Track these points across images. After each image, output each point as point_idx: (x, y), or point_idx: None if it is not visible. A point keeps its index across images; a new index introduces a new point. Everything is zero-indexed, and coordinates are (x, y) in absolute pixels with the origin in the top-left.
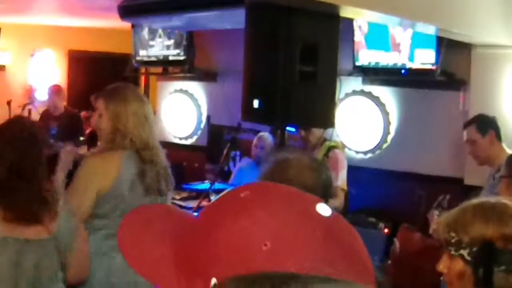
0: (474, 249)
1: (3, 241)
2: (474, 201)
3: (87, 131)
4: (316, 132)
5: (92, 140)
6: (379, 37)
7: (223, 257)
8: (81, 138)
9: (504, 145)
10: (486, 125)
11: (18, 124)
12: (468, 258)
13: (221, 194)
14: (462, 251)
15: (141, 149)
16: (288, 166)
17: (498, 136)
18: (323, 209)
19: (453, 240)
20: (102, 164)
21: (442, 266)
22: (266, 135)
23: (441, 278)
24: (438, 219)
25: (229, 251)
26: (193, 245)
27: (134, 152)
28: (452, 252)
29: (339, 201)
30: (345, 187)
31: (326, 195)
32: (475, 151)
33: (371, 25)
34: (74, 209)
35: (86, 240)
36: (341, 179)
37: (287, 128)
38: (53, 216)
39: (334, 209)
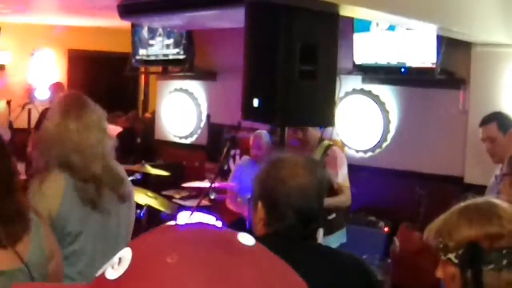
0: (460, 251)
1: None
2: (462, 204)
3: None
4: (312, 131)
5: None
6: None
7: None
8: None
9: None
10: (507, 122)
11: None
12: (456, 261)
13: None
14: (449, 255)
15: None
16: (283, 165)
17: None
18: None
19: (441, 245)
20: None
21: (439, 272)
22: (263, 133)
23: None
24: (428, 226)
25: None
26: None
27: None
28: (442, 257)
29: (346, 196)
30: (347, 184)
31: (321, 193)
32: (494, 148)
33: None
34: (48, 228)
35: (61, 263)
36: (341, 176)
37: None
38: (25, 238)
39: (341, 203)
